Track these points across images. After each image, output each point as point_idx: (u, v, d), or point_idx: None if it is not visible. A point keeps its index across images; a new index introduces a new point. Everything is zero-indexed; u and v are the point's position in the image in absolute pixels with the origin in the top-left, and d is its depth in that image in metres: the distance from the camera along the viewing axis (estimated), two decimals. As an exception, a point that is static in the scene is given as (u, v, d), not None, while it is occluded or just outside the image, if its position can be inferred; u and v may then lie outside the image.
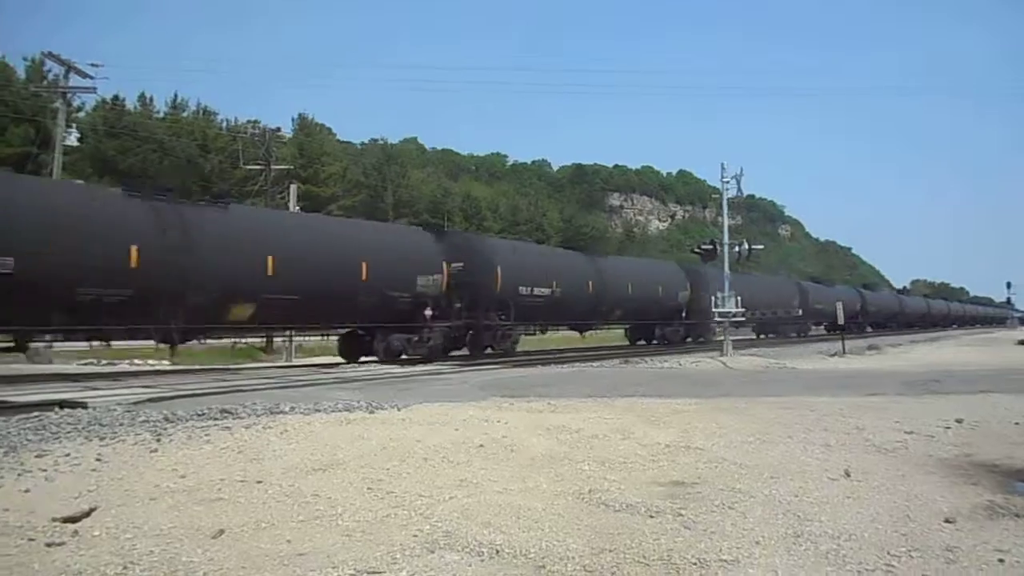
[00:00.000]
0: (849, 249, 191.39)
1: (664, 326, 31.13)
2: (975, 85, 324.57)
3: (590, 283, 25.95)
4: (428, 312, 19.23)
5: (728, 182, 24.84)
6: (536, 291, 23.01)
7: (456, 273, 20.24)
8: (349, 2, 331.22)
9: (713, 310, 24.44)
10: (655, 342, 31.30)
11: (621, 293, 27.71)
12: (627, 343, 32.56)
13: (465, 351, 21.65)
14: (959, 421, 8.40)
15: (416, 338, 19.14)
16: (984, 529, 4.59)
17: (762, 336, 40.20)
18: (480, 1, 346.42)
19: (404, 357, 18.87)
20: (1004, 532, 4.53)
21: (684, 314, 31.42)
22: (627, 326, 32.26)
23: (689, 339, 32.07)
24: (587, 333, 30.44)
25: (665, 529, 4.48)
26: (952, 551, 4.19)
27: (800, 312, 40.41)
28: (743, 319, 26.35)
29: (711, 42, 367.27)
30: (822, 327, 49.30)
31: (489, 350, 21.56)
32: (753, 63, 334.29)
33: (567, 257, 27.55)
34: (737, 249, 25.28)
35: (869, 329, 52.26)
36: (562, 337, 32.46)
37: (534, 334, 25.47)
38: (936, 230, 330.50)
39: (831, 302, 43.49)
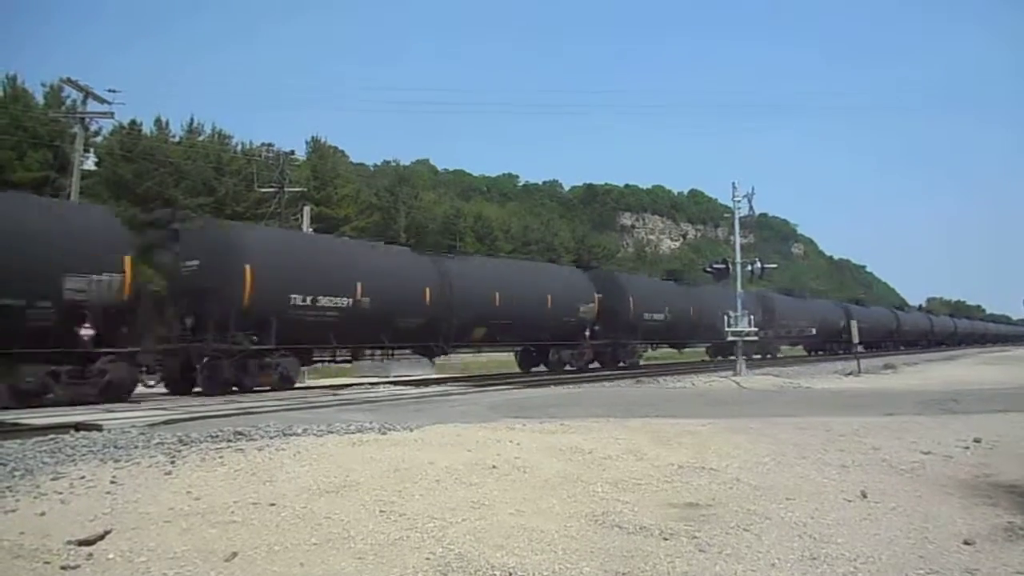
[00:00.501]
0: (863, 267, 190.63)
1: (561, 348, 25.15)
2: (997, 102, 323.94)
3: (427, 291, 19.61)
4: (86, 331, 12.99)
5: (740, 201, 24.80)
6: (324, 302, 16.73)
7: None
8: (360, 25, 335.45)
9: (726, 329, 24.29)
10: (565, 368, 25.51)
11: (484, 305, 21.43)
12: (517, 369, 26.61)
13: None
14: (977, 441, 8.30)
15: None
16: (1004, 551, 4.54)
17: (719, 358, 33.63)
18: (489, 21, 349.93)
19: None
20: (1024, 554, 4.47)
21: (590, 332, 26.07)
22: (518, 348, 26.25)
23: (597, 364, 26.87)
24: (437, 359, 23.03)
25: (680, 552, 4.45)
26: (972, 573, 4.15)
27: (759, 330, 37.66)
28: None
29: (724, 60, 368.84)
30: (800, 347, 46.31)
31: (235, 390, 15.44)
32: (766, 81, 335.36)
33: (386, 256, 20.52)
34: (750, 268, 25.19)
35: (861, 348, 47.88)
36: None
37: (334, 361, 19.51)
38: (953, 248, 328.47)
39: (806, 318, 41.38)
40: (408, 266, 20.22)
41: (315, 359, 18.47)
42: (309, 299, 16.48)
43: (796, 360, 37.55)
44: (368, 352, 19.79)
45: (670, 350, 35.66)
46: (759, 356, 36.53)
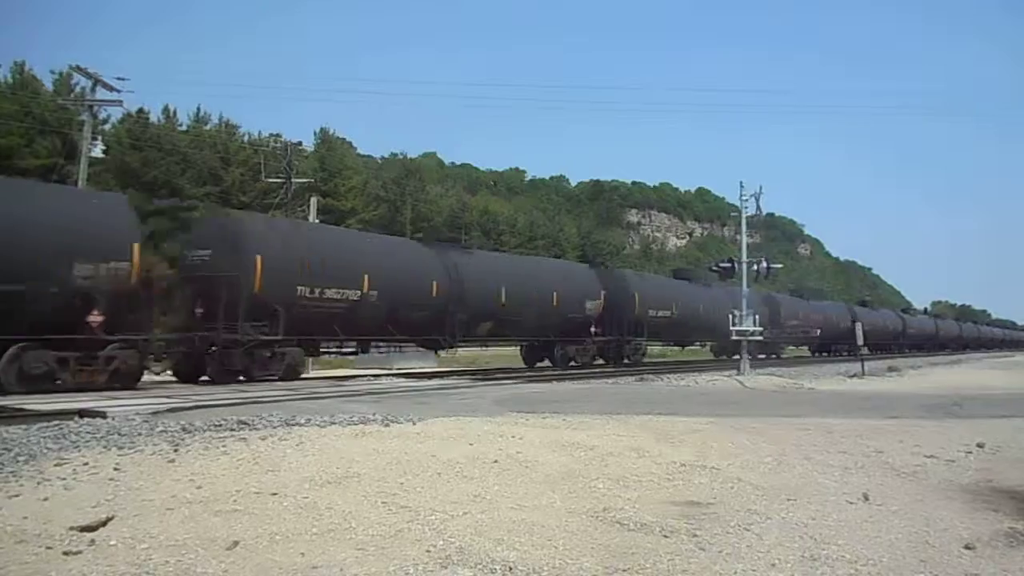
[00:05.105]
0: (869, 269, 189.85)
1: (566, 344, 25.29)
2: (998, 109, 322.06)
3: (434, 284, 19.80)
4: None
5: (747, 200, 24.70)
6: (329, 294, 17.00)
7: None
8: (369, 17, 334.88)
9: (731, 328, 24.24)
10: (572, 364, 25.66)
11: (488, 300, 21.42)
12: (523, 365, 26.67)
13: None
14: (980, 446, 8.29)
15: None
16: (1005, 556, 4.53)
17: (723, 357, 35.10)
18: (501, 17, 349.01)
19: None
20: (1025, 560, 4.46)
21: (595, 329, 26.04)
22: (523, 343, 26.32)
23: (601, 360, 27.00)
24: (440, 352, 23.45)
25: (679, 549, 4.45)
26: (972, 578, 4.14)
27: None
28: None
29: (732, 60, 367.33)
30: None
31: None
32: (774, 82, 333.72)
33: (390, 246, 21.42)
34: (756, 267, 25.11)
35: (866, 351, 45.89)
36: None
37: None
38: (960, 252, 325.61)
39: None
40: (413, 258, 20.44)
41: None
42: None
43: (800, 361, 37.62)
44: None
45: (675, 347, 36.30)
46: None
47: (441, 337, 20.68)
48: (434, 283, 19.79)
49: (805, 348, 47.92)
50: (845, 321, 44.86)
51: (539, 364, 26.09)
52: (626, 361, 27.66)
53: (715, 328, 30.97)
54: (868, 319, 45.25)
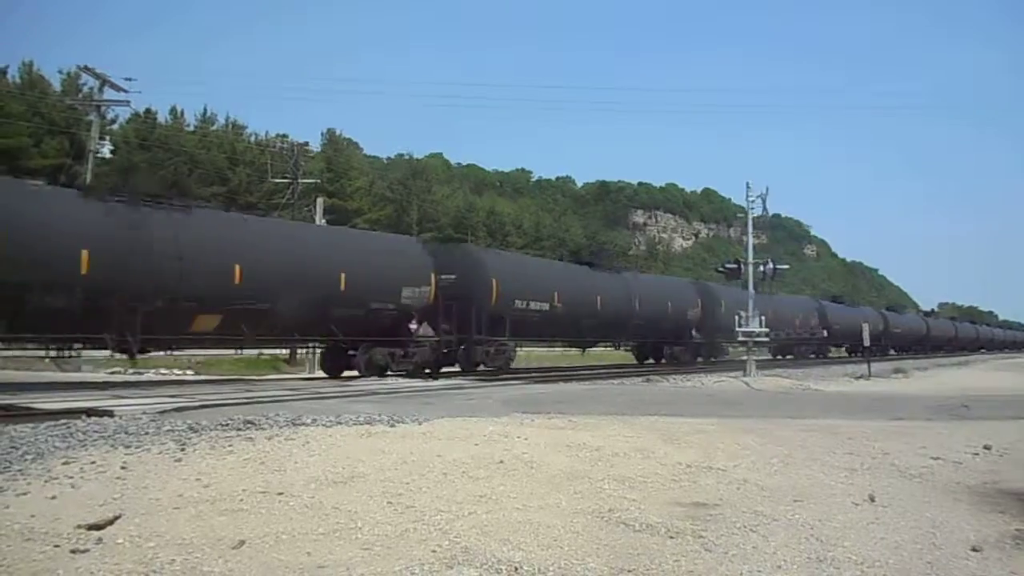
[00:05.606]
0: (876, 270, 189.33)
1: (374, 345, 18.19)
2: (1003, 110, 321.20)
3: (84, 254, 12.99)
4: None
5: (754, 201, 24.70)
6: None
7: None
8: (369, 17, 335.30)
9: (736, 329, 24.18)
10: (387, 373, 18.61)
11: (212, 281, 14.85)
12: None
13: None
14: (987, 447, 8.24)
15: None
16: (1012, 558, 4.51)
17: (650, 360, 30.02)
18: (506, 18, 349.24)
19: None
20: (1033, 562, 4.44)
21: (415, 326, 19.28)
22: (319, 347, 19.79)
23: (455, 367, 20.93)
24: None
25: (685, 551, 4.45)
26: (979, 580, 4.12)
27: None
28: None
29: (738, 61, 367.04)
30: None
31: None
32: (779, 82, 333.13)
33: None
34: (762, 268, 25.08)
35: (839, 350, 48.14)
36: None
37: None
38: (964, 254, 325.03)
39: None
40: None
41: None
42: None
43: (806, 362, 37.43)
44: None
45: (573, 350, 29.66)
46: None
47: (109, 336, 13.73)
48: (84, 252, 13.06)
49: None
50: (811, 319, 40.22)
51: (347, 373, 18.65)
52: (481, 368, 20.90)
53: (625, 325, 26.52)
54: (840, 316, 42.16)
